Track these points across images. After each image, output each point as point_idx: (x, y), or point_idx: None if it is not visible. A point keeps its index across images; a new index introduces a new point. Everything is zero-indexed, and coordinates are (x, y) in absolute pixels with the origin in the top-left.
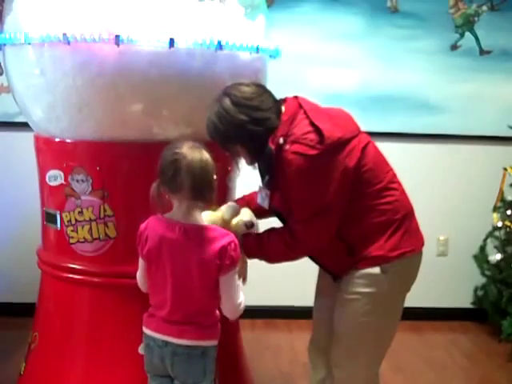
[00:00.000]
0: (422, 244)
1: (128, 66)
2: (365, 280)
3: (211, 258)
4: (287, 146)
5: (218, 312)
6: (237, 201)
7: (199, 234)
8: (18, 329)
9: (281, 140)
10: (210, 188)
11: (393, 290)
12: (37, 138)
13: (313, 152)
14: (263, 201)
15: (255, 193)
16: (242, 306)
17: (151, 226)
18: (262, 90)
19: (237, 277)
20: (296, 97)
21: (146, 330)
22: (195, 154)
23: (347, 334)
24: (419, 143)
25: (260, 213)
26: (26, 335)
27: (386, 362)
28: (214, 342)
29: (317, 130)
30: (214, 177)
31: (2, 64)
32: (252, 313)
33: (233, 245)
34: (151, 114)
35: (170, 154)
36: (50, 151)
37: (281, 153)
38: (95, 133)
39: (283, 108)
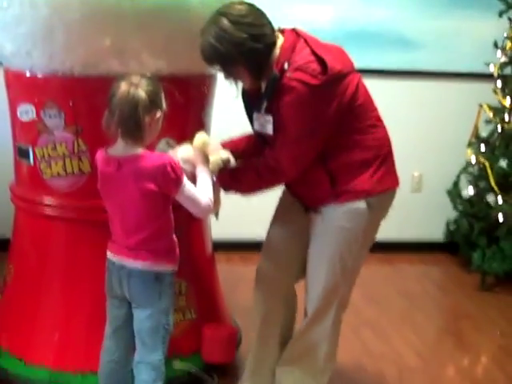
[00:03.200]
0: (398, 181)
1: None
2: (349, 214)
3: (147, 185)
4: (289, 73)
5: (174, 237)
6: (224, 144)
7: (133, 164)
8: None
9: (286, 65)
10: (138, 127)
11: (373, 224)
12: (7, 73)
13: (315, 82)
14: (263, 127)
15: (245, 137)
16: (209, 204)
17: (97, 161)
18: (254, 8)
19: (188, 187)
20: (293, 28)
21: (107, 254)
22: (128, 89)
23: (329, 265)
24: (394, 80)
25: (242, 156)
26: (2, 269)
27: (359, 292)
28: (169, 268)
29: (319, 60)
30: (146, 116)
31: None
32: (227, 247)
33: (168, 167)
34: (124, 46)
35: (112, 87)
36: (20, 86)
37: (282, 78)
38: (66, 67)
39: (282, 37)
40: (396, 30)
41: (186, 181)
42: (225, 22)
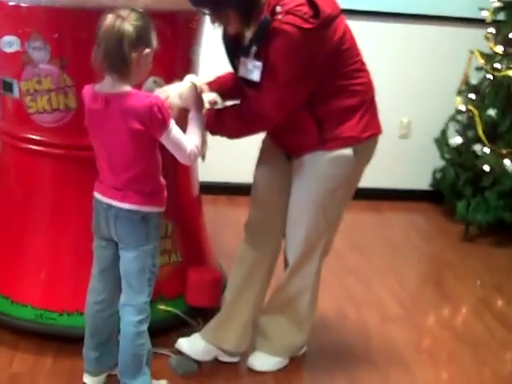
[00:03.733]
0: (381, 127)
1: None
2: (335, 161)
3: (133, 124)
4: (280, 16)
5: (162, 179)
6: (209, 83)
7: (120, 102)
8: None
9: (278, 8)
10: (123, 61)
11: (357, 171)
12: None
13: (307, 25)
14: (249, 73)
15: (230, 75)
16: (195, 152)
17: (84, 97)
18: None
19: (175, 132)
20: None
21: (94, 194)
22: (114, 22)
23: (311, 212)
24: (385, 22)
25: (229, 95)
26: None
27: (343, 239)
28: (156, 209)
29: (310, 3)
30: (132, 52)
31: None
32: (214, 189)
33: (155, 108)
34: None
35: (100, 19)
36: (3, 16)
37: (272, 22)
38: None
39: None
40: None
41: (172, 125)
42: None
